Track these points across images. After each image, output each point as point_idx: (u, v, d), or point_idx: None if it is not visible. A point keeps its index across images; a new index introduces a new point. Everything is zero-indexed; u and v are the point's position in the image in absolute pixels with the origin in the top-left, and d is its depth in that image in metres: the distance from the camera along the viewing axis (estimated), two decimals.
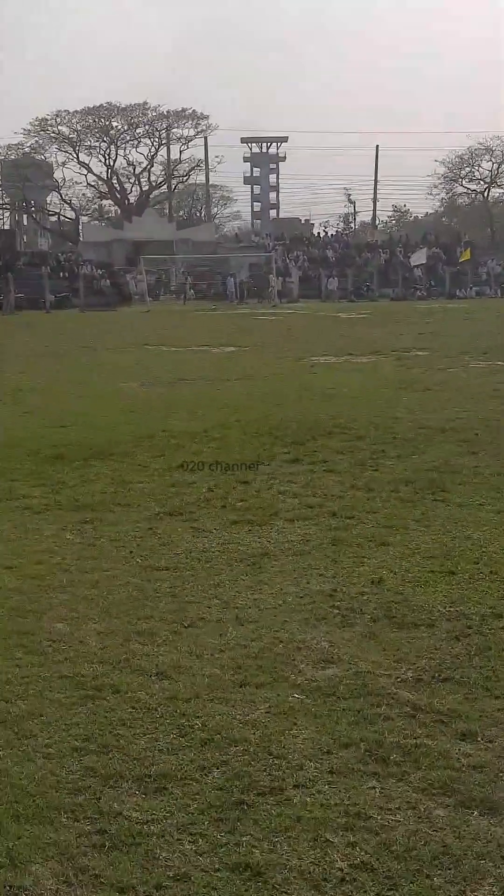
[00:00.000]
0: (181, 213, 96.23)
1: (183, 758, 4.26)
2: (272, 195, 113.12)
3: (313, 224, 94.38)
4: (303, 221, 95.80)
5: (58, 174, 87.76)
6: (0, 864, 3.54)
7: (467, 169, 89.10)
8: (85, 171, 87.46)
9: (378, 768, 4.17)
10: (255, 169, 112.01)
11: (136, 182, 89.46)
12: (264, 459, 10.51)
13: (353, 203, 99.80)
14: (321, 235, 78.46)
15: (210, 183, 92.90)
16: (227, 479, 9.63)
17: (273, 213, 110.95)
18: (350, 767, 4.16)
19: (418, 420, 12.72)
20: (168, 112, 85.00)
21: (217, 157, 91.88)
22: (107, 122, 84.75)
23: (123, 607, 6.15)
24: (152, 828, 3.75)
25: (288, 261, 65.05)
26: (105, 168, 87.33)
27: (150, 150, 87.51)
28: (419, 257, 62.93)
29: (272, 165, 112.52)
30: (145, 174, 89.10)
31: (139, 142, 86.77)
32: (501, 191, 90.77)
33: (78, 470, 10.20)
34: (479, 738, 4.40)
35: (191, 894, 3.37)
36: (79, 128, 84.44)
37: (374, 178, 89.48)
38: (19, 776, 4.12)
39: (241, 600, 6.25)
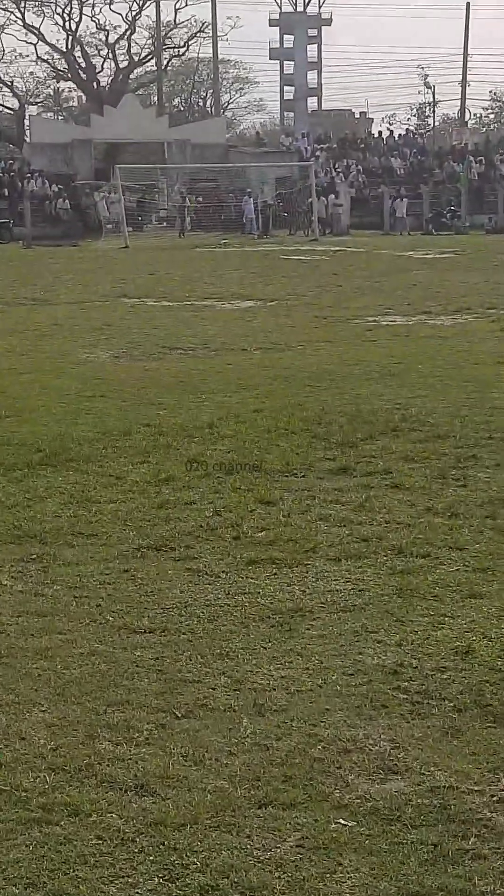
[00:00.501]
0: (176, 101, 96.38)
1: None
2: (311, 76, 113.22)
3: (372, 119, 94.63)
4: (357, 115, 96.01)
5: None
6: None
7: None
8: (33, 39, 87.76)
9: None
10: (286, 37, 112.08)
11: (110, 55, 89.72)
12: (297, 468, 10.51)
13: (432, 88, 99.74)
14: (384, 136, 78.40)
15: (220, 57, 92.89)
16: (242, 496, 9.62)
17: (313, 102, 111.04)
18: None
19: None
20: None
21: (230, 18, 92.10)
22: None
23: (87, 688, 6.14)
24: None
25: (335, 174, 65.02)
26: (63, 34, 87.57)
27: (130, 7, 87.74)
28: None
29: (312, 32, 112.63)
30: (123, 43, 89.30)
31: None
32: None
33: (19, 482, 10.22)
34: None
35: None
36: None
37: (462, 52, 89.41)
38: None
39: (262, 679, 6.24)
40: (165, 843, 4.69)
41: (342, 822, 4.82)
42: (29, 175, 61.84)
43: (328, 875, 4.47)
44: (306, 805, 4.95)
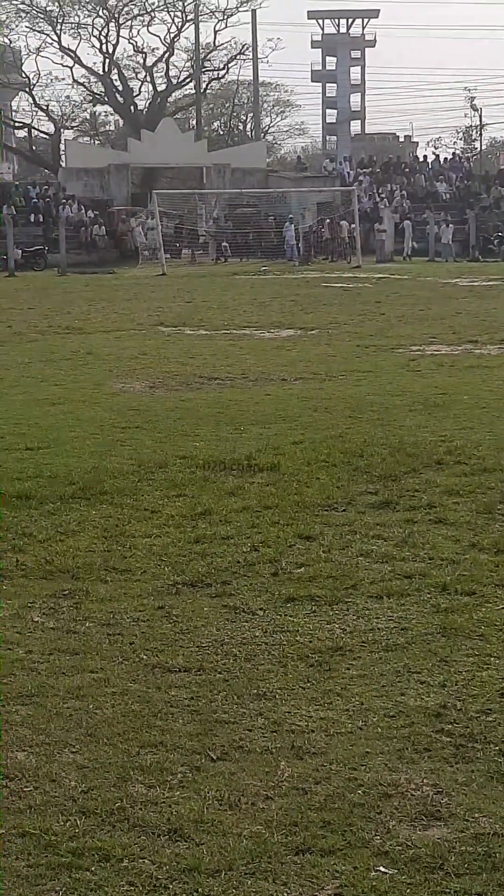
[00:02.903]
0: (215, 125, 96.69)
1: None
2: (354, 99, 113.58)
3: (416, 143, 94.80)
4: (401, 139, 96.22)
5: (29, 66, 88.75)
6: None
7: None
8: (70, 62, 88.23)
9: None
10: (328, 59, 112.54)
11: (148, 78, 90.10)
12: (337, 502, 10.49)
13: (479, 111, 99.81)
14: (429, 160, 78.53)
15: (260, 80, 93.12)
16: (281, 531, 9.60)
17: (356, 126, 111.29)
18: None
19: None
20: None
21: (271, 40, 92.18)
22: None
23: (119, 728, 6.12)
24: None
25: (378, 199, 65.15)
26: (101, 57, 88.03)
27: (169, 29, 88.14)
28: None
29: (355, 54, 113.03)
30: (161, 66, 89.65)
31: (152, 17, 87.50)
32: None
33: (52, 516, 10.24)
34: None
35: None
36: None
37: None
38: None
39: (300, 720, 6.20)
40: (199, 890, 4.66)
41: (382, 869, 4.79)
42: (64, 201, 62.17)
43: None
44: (345, 852, 4.92)
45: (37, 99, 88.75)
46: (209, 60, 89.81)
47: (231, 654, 7.15)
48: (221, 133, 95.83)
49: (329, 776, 5.58)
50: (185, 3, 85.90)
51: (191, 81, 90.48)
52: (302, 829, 5.10)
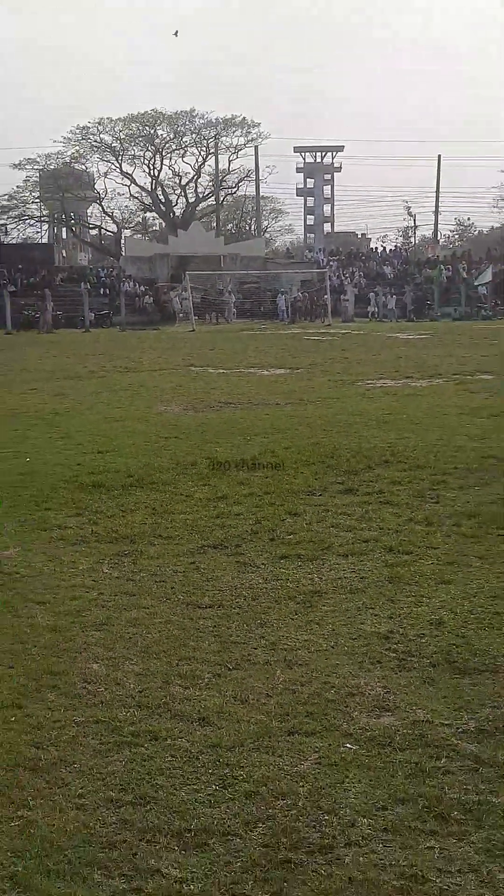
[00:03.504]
0: (230, 226, 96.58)
1: (226, 811, 4.24)
2: (326, 208, 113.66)
3: (370, 238, 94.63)
4: (359, 236, 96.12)
5: (99, 185, 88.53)
6: None
7: None
8: (128, 182, 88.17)
9: (437, 826, 4.11)
10: (308, 180, 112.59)
11: (182, 193, 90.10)
12: (316, 489, 10.47)
13: (413, 216, 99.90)
14: (378, 251, 78.43)
15: (261, 195, 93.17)
16: (276, 510, 9.59)
17: (327, 226, 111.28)
18: (406, 825, 4.11)
19: (482, 449, 12.58)
20: (216, 120, 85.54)
21: (268, 167, 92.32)
22: (152, 131, 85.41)
23: (163, 647, 6.14)
24: (192, 887, 3.72)
25: (343, 278, 65.07)
26: (149, 179, 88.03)
27: (197, 159, 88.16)
28: (485, 275, 62.73)
29: (327, 176, 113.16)
30: (192, 185, 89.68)
31: (186, 151, 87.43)
32: None
33: (116, 499, 10.23)
34: None
35: None
36: (122, 136, 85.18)
37: (435, 190, 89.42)
38: (49, 828, 4.11)
39: (290, 641, 6.22)
40: (220, 760, 4.68)
41: (348, 746, 4.80)
42: (124, 279, 62.12)
43: (338, 784, 4.45)
44: (322, 734, 4.94)
45: (104, 208, 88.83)
46: (225, 181, 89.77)
47: (241, 595, 7.15)
48: (233, 231, 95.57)
49: (311, 680, 5.59)
50: (209, 142, 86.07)
51: (212, 196, 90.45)
52: (292, 717, 5.12)
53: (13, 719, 5.14)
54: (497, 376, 22.53)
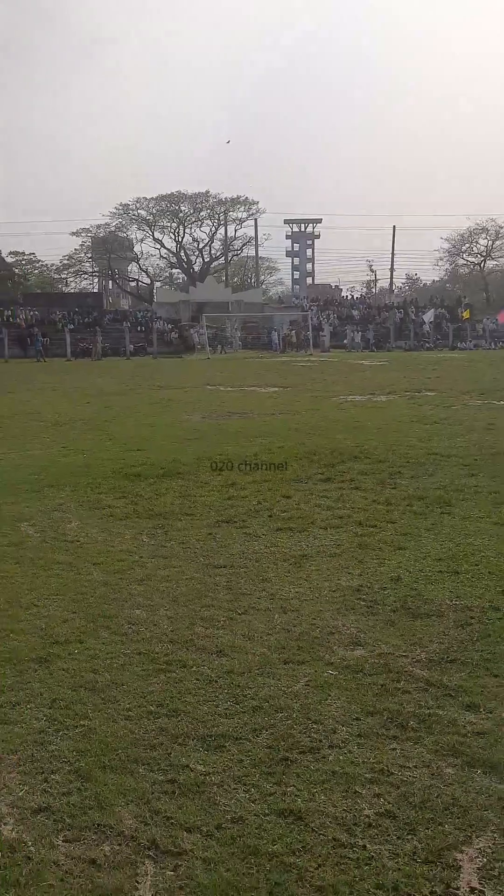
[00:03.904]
0: (235, 279, 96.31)
1: (238, 721, 4.22)
2: (308, 266, 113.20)
3: (342, 289, 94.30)
4: (333, 286, 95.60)
5: (137, 248, 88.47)
6: (90, 806, 3.52)
7: (467, 245, 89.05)
8: (159, 246, 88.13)
9: (398, 733, 4.10)
10: (295, 245, 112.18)
11: (200, 255, 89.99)
12: (303, 478, 10.44)
13: (374, 272, 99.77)
14: (348, 298, 78.29)
15: (259, 255, 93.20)
16: (273, 494, 9.56)
17: (309, 279, 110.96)
18: (375, 732, 4.10)
19: (428, 447, 12.56)
20: (225, 199, 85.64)
21: (265, 234, 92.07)
22: (176, 207, 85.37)
23: (189, 597, 6.11)
24: (213, 778, 3.71)
25: (321, 318, 64.92)
26: (175, 243, 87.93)
27: (210, 229, 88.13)
28: (429, 316, 62.74)
29: (309, 242, 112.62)
30: (207, 248, 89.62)
31: (202, 223, 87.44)
32: (494, 262, 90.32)
33: (152, 485, 10.20)
34: (481, 710, 4.31)
35: (244, 834, 3.32)
36: (154, 211, 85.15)
37: (391, 252, 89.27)
38: (105, 734, 4.10)
39: (285, 593, 6.19)
40: (233, 683, 4.65)
41: (330, 672, 4.78)
42: (156, 319, 61.95)
43: (323, 701, 4.43)
44: (309, 663, 4.91)
45: (140, 266, 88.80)
46: (232, 245, 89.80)
47: (247, 558, 7.11)
48: (238, 283, 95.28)
49: (300, 623, 5.56)
50: (219, 216, 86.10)
51: (222, 256, 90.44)
52: (286, 650, 5.09)
53: (76, 652, 5.12)
54: (437, 393, 22.48)
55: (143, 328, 60.49)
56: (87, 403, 21.42)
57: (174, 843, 3.26)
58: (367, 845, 3.27)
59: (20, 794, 3.61)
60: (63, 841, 3.30)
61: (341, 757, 3.86)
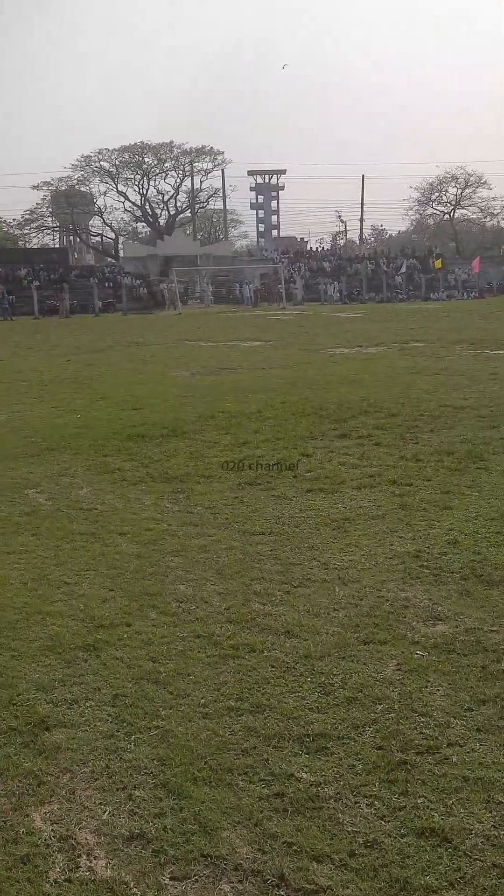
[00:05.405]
0: (202, 233, 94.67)
1: (333, 716, 3.69)
2: (273, 218, 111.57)
3: (307, 241, 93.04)
4: (298, 239, 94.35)
5: (100, 202, 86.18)
6: (191, 830, 2.97)
7: (436, 194, 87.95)
8: (122, 200, 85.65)
9: None
10: (259, 196, 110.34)
11: (165, 208, 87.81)
12: (317, 435, 9.89)
13: (344, 223, 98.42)
14: (316, 250, 77.20)
15: (227, 209, 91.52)
16: (290, 452, 9.00)
17: (275, 232, 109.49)
18: (494, 724, 3.59)
19: (438, 399, 12.04)
20: (190, 149, 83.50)
21: (231, 186, 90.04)
22: (140, 158, 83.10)
23: (234, 569, 5.56)
24: (326, 790, 3.18)
25: (293, 271, 63.96)
26: (139, 196, 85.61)
27: (176, 181, 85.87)
28: (402, 268, 62.11)
29: (273, 193, 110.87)
30: (172, 201, 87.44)
31: (167, 174, 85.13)
32: (464, 211, 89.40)
33: (159, 446, 9.60)
34: None
35: (386, 863, 2.80)
36: (117, 163, 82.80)
37: (360, 202, 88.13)
38: (185, 737, 3.56)
39: (338, 561, 5.66)
40: (314, 669, 4.13)
41: (420, 653, 4.26)
42: (123, 275, 60.63)
43: (423, 689, 3.91)
44: (393, 642, 4.39)
45: (104, 220, 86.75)
46: (198, 197, 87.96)
47: (285, 523, 6.56)
48: (206, 237, 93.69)
49: (367, 595, 5.04)
50: (184, 167, 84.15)
51: (188, 209, 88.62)
52: (362, 629, 4.57)
53: (126, 637, 4.56)
54: (427, 344, 21.97)
55: (111, 284, 59.22)
56: (68, 361, 20.61)
57: (307, 879, 2.73)
58: None
59: (104, 816, 3.06)
60: (171, 879, 2.76)
61: (467, 758, 3.35)
